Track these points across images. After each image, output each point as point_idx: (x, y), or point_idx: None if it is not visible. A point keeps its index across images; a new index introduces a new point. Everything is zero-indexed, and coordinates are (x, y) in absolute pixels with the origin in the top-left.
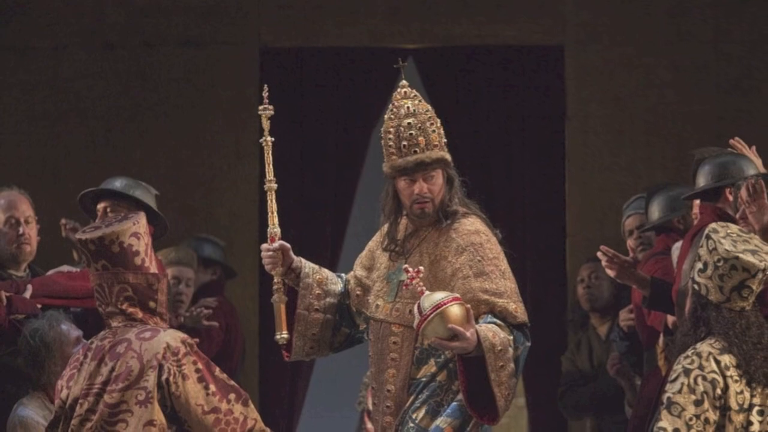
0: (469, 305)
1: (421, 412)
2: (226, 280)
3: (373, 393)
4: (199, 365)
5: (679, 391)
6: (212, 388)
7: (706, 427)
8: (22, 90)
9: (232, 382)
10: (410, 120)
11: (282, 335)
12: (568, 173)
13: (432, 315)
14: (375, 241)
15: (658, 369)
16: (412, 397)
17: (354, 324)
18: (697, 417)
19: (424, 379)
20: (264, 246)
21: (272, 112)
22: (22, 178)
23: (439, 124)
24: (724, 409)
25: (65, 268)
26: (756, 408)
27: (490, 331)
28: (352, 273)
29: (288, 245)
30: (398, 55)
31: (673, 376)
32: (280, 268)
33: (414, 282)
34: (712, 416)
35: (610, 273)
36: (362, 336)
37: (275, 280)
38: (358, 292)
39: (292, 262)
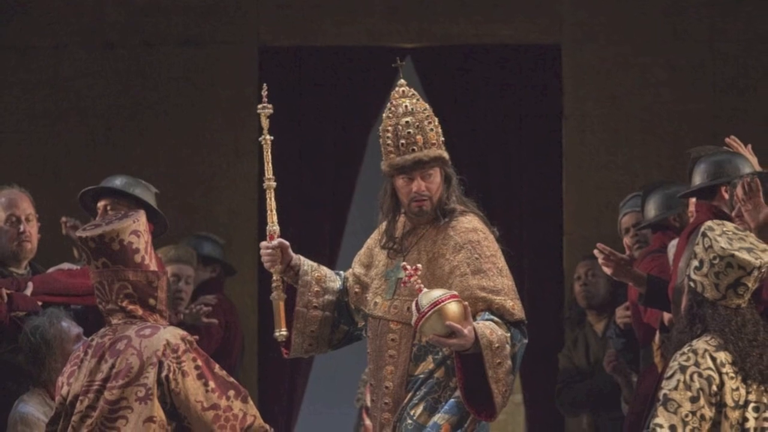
0: (466, 302)
1: (419, 409)
2: (225, 278)
3: (372, 390)
4: (199, 362)
5: (675, 388)
6: (211, 384)
7: (701, 423)
8: (23, 89)
9: (232, 379)
10: (408, 119)
11: (281, 332)
12: (565, 171)
13: (430, 312)
14: (373, 239)
15: (655, 366)
16: (410, 394)
17: (352, 321)
18: (693, 413)
19: (422, 376)
20: (263, 244)
21: (271, 111)
22: (23, 176)
23: (436, 123)
24: (719, 406)
25: (66, 265)
26: (751, 404)
27: (488, 328)
28: (350, 270)
29: (287, 243)
30: (396, 54)
31: (669, 372)
32: (279, 266)
33: (412, 279)
34: (708, 413)
35: (607, 270)
36: (361, 333)
37: (274, 278)
38: (357, 290)
39: (291, 260)
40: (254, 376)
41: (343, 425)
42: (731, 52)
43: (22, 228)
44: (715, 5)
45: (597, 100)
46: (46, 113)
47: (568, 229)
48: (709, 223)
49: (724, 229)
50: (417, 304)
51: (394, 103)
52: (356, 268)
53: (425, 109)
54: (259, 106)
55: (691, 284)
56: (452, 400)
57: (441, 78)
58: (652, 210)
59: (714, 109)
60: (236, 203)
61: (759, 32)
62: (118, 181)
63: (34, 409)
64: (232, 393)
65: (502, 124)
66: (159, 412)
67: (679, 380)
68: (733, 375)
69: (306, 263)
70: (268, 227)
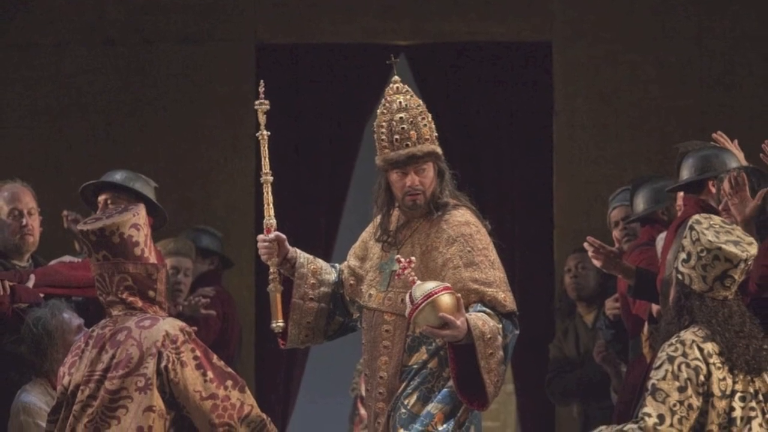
0: (459, 294)
1: (413, 398)
2: (223, 270)
3: (366, 380)
4: (197, 353)
5: (664, 378)
6: (210, 374)
7: (689, 412)
8: (25, 85)
9: (230, 369)
10: (402, 114)
11: (278, 323)
12: (555, 166)
13: (423, 304)
14: (368, 232)
15: (643, 356)
16: (403, 384)
17: (347, 313)
18: (681, 403)
19: (415, 366)
20: (260, 237)
21: (268, 107)
22: (25, 170)
23: (430, 119)
24: (707, 396)
25: (67, 258)
26: (738, 394)
27: (480, 319)
28: (345, 263)
29: (283, 236)
30: (390, 51)
31: (658, 363)
32: (275, 259)
33: (406, 272)
34: (696, 402)
35: (597, 263)
36: (355, 324)
37: (271, 270)
38: (352, 282)
39: (287, 253)
40: (251, 366)
41: (338, 414)
42: (718, 49)
43: (24, 221)
44: (703, 3)
45: (587, 96)
46: (47, 109)
47: (558, 222)
48: (696, 216)
49: (712, 222)
50: (411, 296)
51: (388, 99)
52: (351, 260)
53: (419, 105)
54: (257, 102)
55: (679, 276)
56: (445, 389)
57: (434, 75)
58: (640, 204)
59: (701, 105)
60: (234, 197)
61: (745, 30)
62: (118, 176)
63: (36, 398)
64: (229, 383)
65: (494, 119)
66: (158, 402)
67: (667, 370)
68: (720, 365)
69: (302, 256)
70: (265, 221)
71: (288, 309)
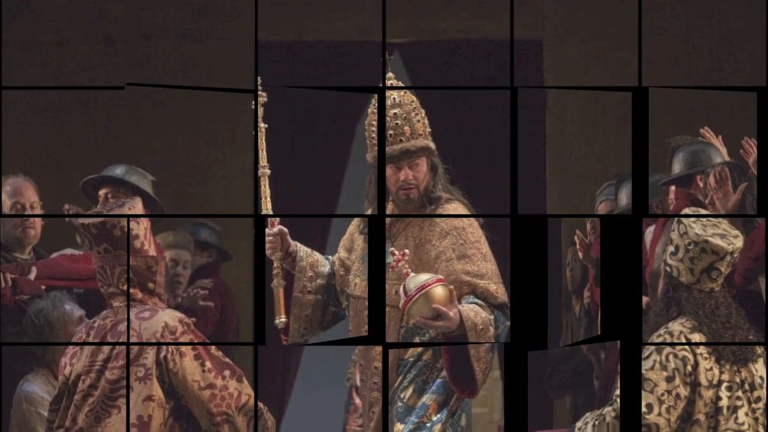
0: (452, 286)
1: (409, 391)
2: (221, 263)
3: (361, 370)
4: None
5: (652, 368)
6: (208, 365)
7: (677, 402)
8: (27, 82)
9: (227, 360)
10: (396, 110)
11: (280, 320)
12: (547, 161)
13: (417, 295)
14: (354, 225)
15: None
16: (400, 378)
17: (338, 302)
18: (669, 392)
19: (411, 359)
20: (267, 230)
21: (266, 99)
22: (28, 165)
23: (423, 114)
24: (694, 385)
25: (68, 251)
26: (725, 384)
27: (472, 311)
28: (336, 255)
29: (286, 230)
30: (385, 48)
31: (646, 353)
32: (279, 253)
33: (399, 264)
34: (683, 392)
35: (579, 254)
36: (344, 313)
37: (275, 265)
38: (341, 273)
39: (289, 247)
40: (249, 356)
41: (333, 404)
42: (706, 47)
43: None
44: (690, 2)
45: (577, 92)
46: (49, 106)
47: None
48: (684, 210)
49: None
50: (404, 287)
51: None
52: (341, 252)
53: (412, 102)
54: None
55: (667, 269)
56: (439, 380)
57: (428, 72)
58: (624, 198)
59: (689, 102)
60: (232, 192)
61: (732, 28)
62: (118, 170)
63: (38, 388)
64: (227, 373)
65: (486, 115)
66: (158, 391)
67: (655, 360)
68: (707, 356)
69: (302, 249)
70: (264, 213)
71: (289, 304)
